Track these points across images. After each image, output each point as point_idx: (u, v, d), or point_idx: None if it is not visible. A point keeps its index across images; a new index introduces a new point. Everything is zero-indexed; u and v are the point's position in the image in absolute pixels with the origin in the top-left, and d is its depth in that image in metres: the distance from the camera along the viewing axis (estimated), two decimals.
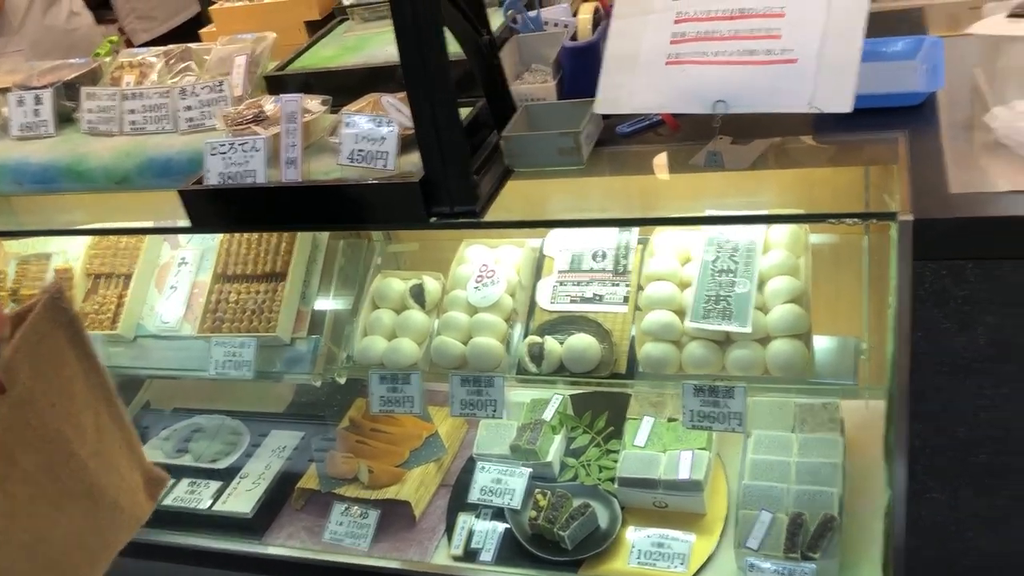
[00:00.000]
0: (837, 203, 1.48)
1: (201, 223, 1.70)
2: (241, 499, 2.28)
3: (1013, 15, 1.53)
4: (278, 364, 2.24)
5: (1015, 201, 1.28)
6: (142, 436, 2.54)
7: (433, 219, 1.56)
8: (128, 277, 2.42)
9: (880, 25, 1.58)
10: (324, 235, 2.32)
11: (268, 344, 2.22)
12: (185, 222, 1.71)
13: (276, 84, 1.96)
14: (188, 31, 3.93)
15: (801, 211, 1.46)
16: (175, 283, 2.42)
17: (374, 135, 1.56)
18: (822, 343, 1.81)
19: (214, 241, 2.40)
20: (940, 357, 1.37)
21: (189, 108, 1.91)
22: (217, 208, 1.67)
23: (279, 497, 2.31)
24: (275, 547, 2.20)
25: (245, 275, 2.30)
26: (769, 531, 1.85)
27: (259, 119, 1.74)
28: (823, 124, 1.58)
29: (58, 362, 0.79)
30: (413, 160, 1.58)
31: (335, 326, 2.27)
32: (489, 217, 1.56)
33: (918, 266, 1.31)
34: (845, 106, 1.37)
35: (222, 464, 2.39)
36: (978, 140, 1.48)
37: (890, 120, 1.54)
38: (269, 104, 1.80)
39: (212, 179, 1.66)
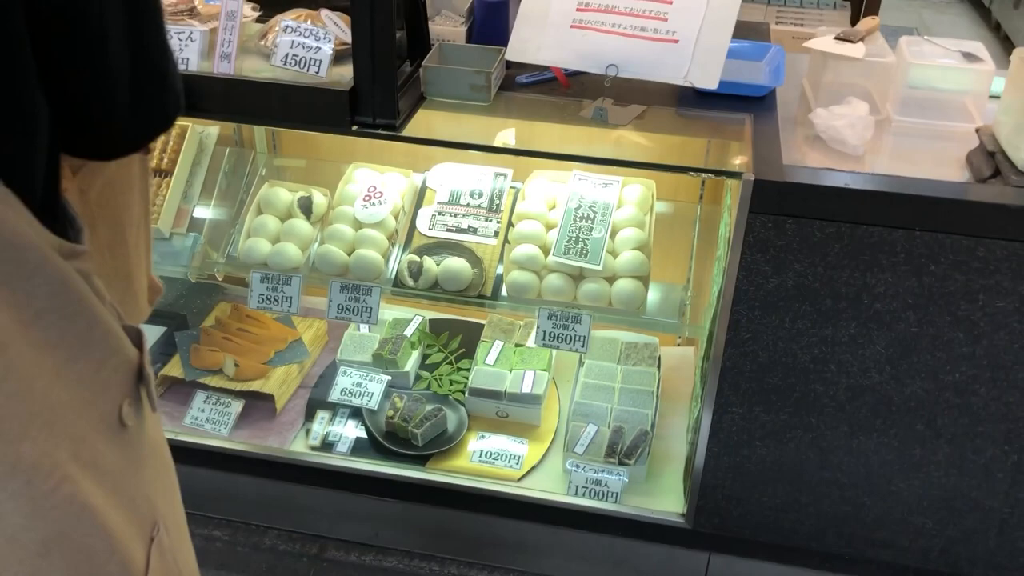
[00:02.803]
0: (692, 163, 1.81)
1: None
2: None
3: (839, 38, 1.93)
4: (155, 257, 2.31)
5: (825, 176, 1.66)
6: None
7: (356, 127, 1.76)
8: None
9: (736, 29, 1.94)
10: (211, 140, 2.42)
11: None
12: None
13: None
14: None
15: (669, 163, 1.78)
16: None
17: (310, 43, 1.74)
18: (655, 288, 2.15)
19: None
20: (755, 294, 1.74)
21: None
22: None
23: None
24: None
25: None
26: (594, 440, 2.18)
27: (192, 13, 1.86)
28: (687, 100, 1.91)
29: (128, 161, 0.95)
30: (340, 72, 1.77)
31: (214, 229, 2.38)
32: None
33: (751, 218, 1.67)
34: (712, 84, 1.71)
35: None
36: (801, 132, 1.86)
37: (739, 106, 1.90)
38: (199, 1, 1.92)
39: None
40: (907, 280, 1.65)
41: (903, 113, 1.90)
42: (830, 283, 1.68)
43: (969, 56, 1.92)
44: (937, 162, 1.77)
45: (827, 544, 1.99)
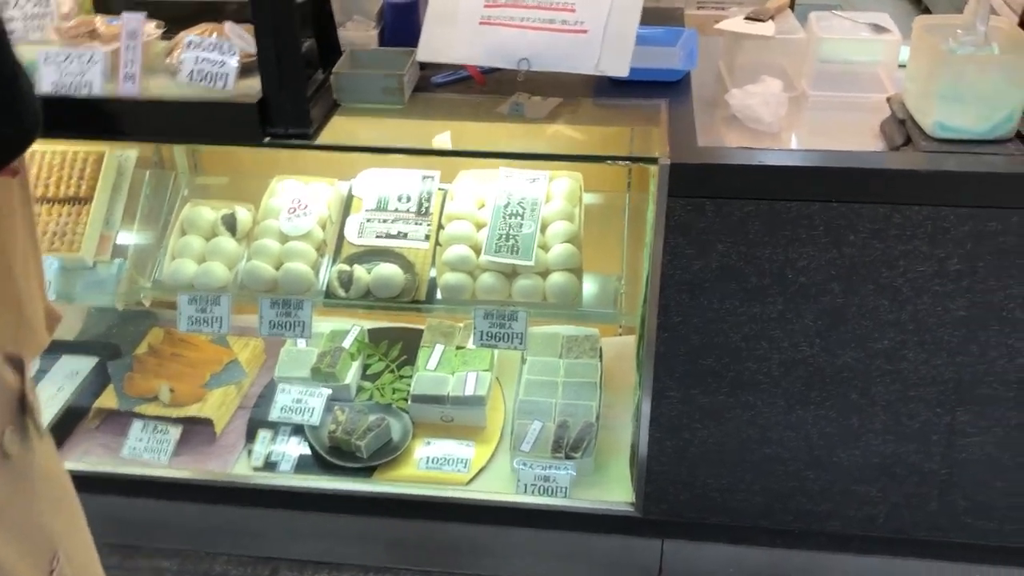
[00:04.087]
0: (612, 152, 1.81)
1: None
2: None
3: (749, 18, 1.95)
4: (79, 287, 2.27)
5: (740, 155, 1.67)
6: None
7: (268, 139, 1.73)
8: None
9: (650, 17, 1.95)
10: (130, 164, 2.36)
11: (70, 266, 2.24)
12: None
13: (104, 5, 2.03)
14: None
15: (586, 153, 1.77)
16: None
17: (215, 57, 1.71)
18: (589, 279, 2.15)
19: None
20: (682, 277, 1.74)
21: (12, 20, 1.93)
22: (50, 116, 1.73)
23: (73, 418, 2.34)
24: (70, 462, 2.23)
25: (47, 197, 2.29)
26: (539, 437, 2.17)
27: (93, 35, 1.81)
28: (603, 89, 1.91)
29: (6, 186, 0.91)
30: (249, 84, 1.74)
31: (139, 254, 2.33)
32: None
33: (671, 202, 1.67)
34: (623, 71, 1.71)
35: None
36: (719, 114, 1.87)
37: (654, 92, 1.91)
38: (100, 23, 1.87)
39: (45, 87, 1.73)
40: (828, 252, 1.67)
41: (817, 87, 1.92)
42: (753, 261, 1.69)
43: (876, 27, 1.95)
44: (852, 133, 1.79)
45: (775, 520, 2.00)
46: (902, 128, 1.74)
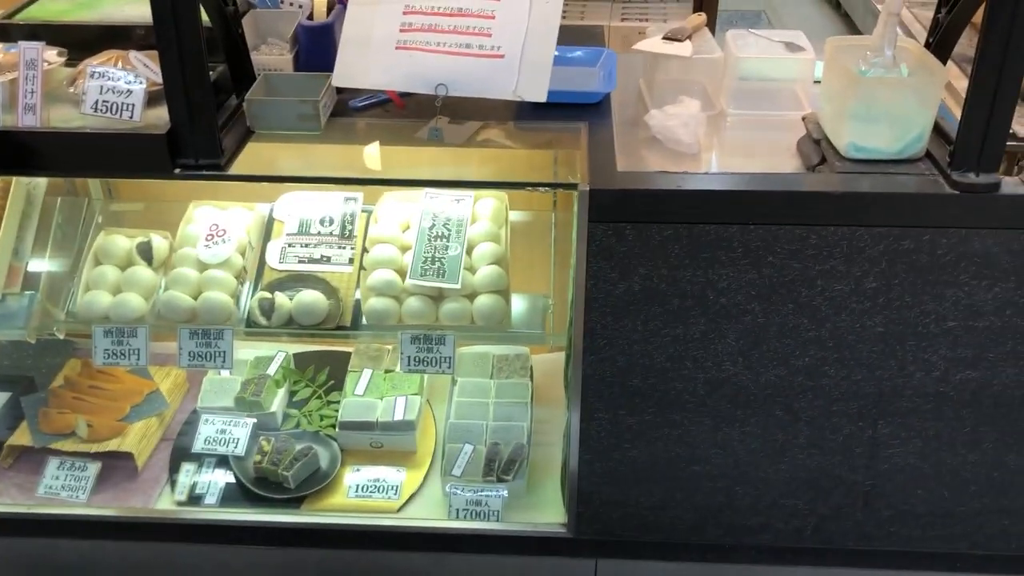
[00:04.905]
0: (533, 177, 1.80)
1: None
2: None
3: (667, 38, 1.95)
4: None
5: (658, 179, 1.67)
6: None
7: (178, 170, 1.68)
8: None
9: (569, 36, 1.94)
10: (40, 191, 2.29)
11: None
12: None
13: (2, 32, 1.95)
14: None
15: (507, 179, 1.76)
16: None
17: (121, 87, 1.65)
18: (517, 300, 2.13)
19: None
20: (606, 301, 1.74)
21: None
22: None
23: None
24: None
25: None
26: (470, 460, 2.15)
27: None
28: (523, 113, 1.90)
29: None
30: (157, 114, 1.69)
31: (52, 284, 2.25)
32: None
33: (592, 227, 1.66)
34: (541, 96, 1.70)
35: None
36: (640, 135, 1.87)
37: (575, 114, 1.90)
38: None
39: None
40: (748, 273, 1.68)
41: (736, 106, 1.94)
42: (675, 283, 1.70)
43: (791, 45, 1.97)
44: (771, 153, 1.81)
45: (707, 536, 2.02)
46: (817, 148, 1.76)
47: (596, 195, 1.63)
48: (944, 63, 1.71)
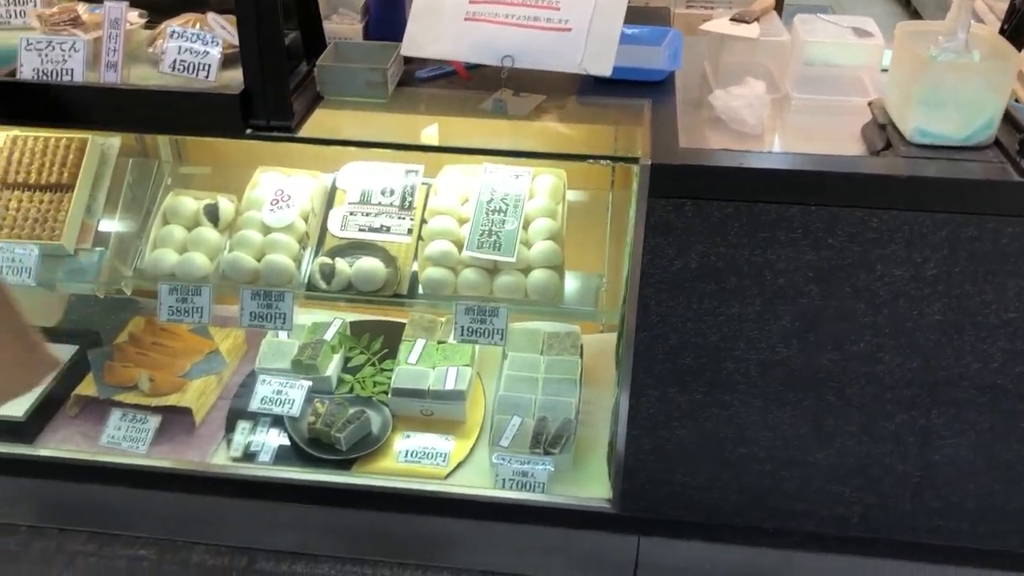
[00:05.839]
0: (594, 151, 1.81)
1: (11, 116, 1.75)
2: (12, 404, 2.27)
3: (734, 19, 1.95)
4: (60, 274, 2.26)
5: (721, 156, 1.68)
6: None
7: (249, 131, 1.73)
8: None
9: (637, 15, 1.95)
10: (113, 152, 2.36)
11: (51, 254, 2.23)
12: None
13: None
14: None
15: (567, 152, 1.78)
16: None
17: (198, 48, 1.70)
18: (571, 277, 2.15)
19: None
20: (661, 277, 1.75)
21: None
22: (30, 102, 1.73)
23: (52, 405, 2.33)
24: (48, 449, 2.23)
25: (28, 184, 2.29)
26: (518, 432, 2.18)
27: (75, 23, 1.80)
28: (587, 88, 1.91)
29: None
30: (232, 75, 1.74)
31: (121, 242, 2.32)
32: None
33: (651, 202, 1.67)
34: (606, 70, 1.72)
35: None
36: (703, 115, 1.87)
37: (638, 91, 1.91)
38: (83, 11, 1.86)
39: (26, 73, 1.72)
40: (806, 254, 1.67)
41: (800, 90, 1.93)
42: (732, 262, 1.70)
43: (860, 31, 1.95)
44: (834, 137, 1.80)
45: (751, 519, 2.02)
46: (883, 133, 1.75)
47: (657, 169, 1.64)
48: (1019, 50, 1.68)
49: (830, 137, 1.80)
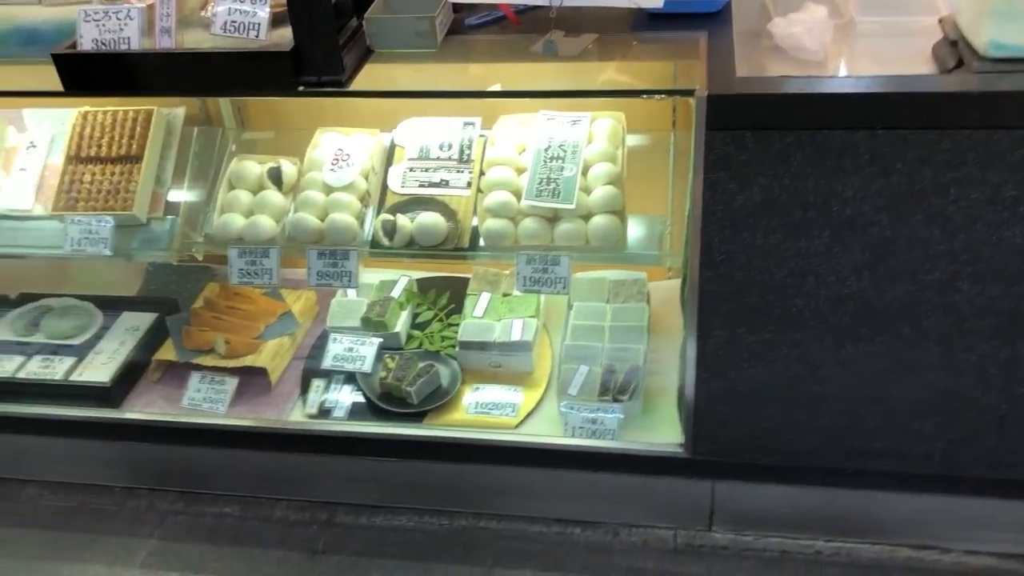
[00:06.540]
0: (649, 87, 1.77)
1: (75, 87, 1.79)
2: (98, 371, 2.38)
3: None
4: (135, 243, 2.33)
5: (780, 83, 1.62)
6: None
7: (301, 87, 1.74)
8: None
9: None
10: (179, 122, 2.41)
11: (124, 224, 2.30)
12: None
13: None
14: None
15: (621, 88, 1.74)
16: (24, 165, 2.44)
17: (247, 8, 1.71)
18: (634, 222, 2.12)
19: (64, 125, 2.44)
20: (724, 213, 1.70)
21: None
22: (92, 73, 1.77)
23: (135, 371, 2.42)
24: (133, 413, 2.31)
25: (99, 157, 2.36)
26: (586, 380, 2.17)
27: None
28: (639, 24, 1.87)
29: None
30: (282, 34, 1.75)
31: (190, 209, 2.38)
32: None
33: (710, 135, 1.63)
34: (657, 3, 1.66)
35: (76, 340, 2.46)
36: (762, 44, 1.81)
37: (693, 24, 1.85)
38: None
39: (86, 45, 1.76)
40: (875, 181, 1.61)
41: (866, 12, 1.85)
42: (797, 193, 1.65)
43: None
44: (902, 59, 1.72)
45: (828, 459, 1.97)
46: (954, 50, 1.66)
47: (715, 101, 1.59)
48: None
49: (897, 59, 1.72)
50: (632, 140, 2.21)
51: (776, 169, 1.63)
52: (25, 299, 2.66)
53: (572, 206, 2.01)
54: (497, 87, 1.79)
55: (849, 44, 1.82)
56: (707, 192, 1.69)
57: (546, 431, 2.16)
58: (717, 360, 1.89)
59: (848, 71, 1.73)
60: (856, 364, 1.83)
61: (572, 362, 2.22)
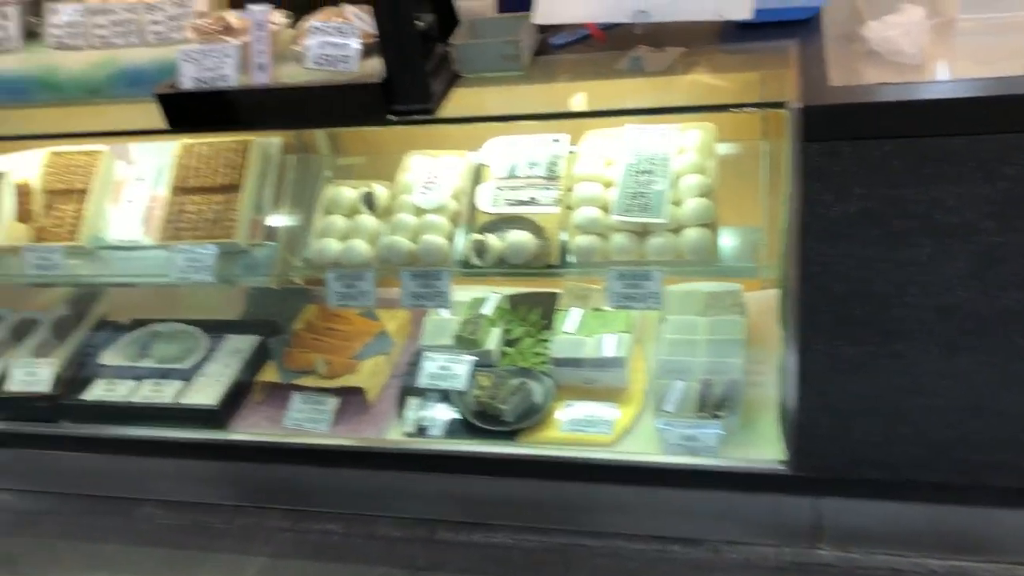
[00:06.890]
0: (739, 100, 1.74)
1: (178, 124, 1.87)
2: (205, 394, 2.47)
3: None
4: (237, 270, 2.41)
5: (874, 92, 1.57)
6: (102, 346, 2.70)
7: (392, 116, 1.77)
8: (83, 192, 2.54)
9: None
10: (275, 151, 2.49)
11: (227, 251, 2.38)
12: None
13: (235, 2, 2.12)
14: None
15: (708, 103, 1.72)
16: (131, 198, 2.56)
17: (339, 40, 1.76)
18: (727, 233, 2.08)
19: (168, 158, 2.55)
20: (821, 225, 1.66)
21: (156, 22, 2.06)
22: (193, 110, 1.85)
23: (240, 392, 2.50)
24: (239, 434, 2.39)
25: (202, 187, 2.45)
26: (683, 396, 2.14)
27: (227, 31, 1.91)
28: (728, 35, 1.84)
29: None
30: (372, 64, 1.79)
31: (288, 235, 2.45)
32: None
33: (804, 147, 1.59)
34: (745, 13, 1.64)
35: (184, 364, 2.57)
36: (856, 49, 1.76)
37: (783, 32, 1.82)
38: (233, 18, 1.96)
39: (187, 84, 1.84)
40: (979, 188, 1.55)
41: (967, 10, 1.78)
42: (896, 203, 1.60)
43: None
44: (1009, 58, 1.65)
45: (936, 474, 1.90)
46: None
47: (808, 112, 1.56)
48: None
49: (1004, 58, 1.65)
50: (723, 150, 2.18)
51: (873, 179, 1.59)
52: (136, 325, 2.78)
53: (661, 220, 2.00)
54: (582, 106, 1.79)
55: (949, 44, 1.76)
56: (803, 204, 1.65)
57: (642, 448, 2.14)
58: (818, 373, 1.84)
59: (949, 73, 1.67)
60: (963, 375, 1.76)
61: (667, 377, 2.20)
